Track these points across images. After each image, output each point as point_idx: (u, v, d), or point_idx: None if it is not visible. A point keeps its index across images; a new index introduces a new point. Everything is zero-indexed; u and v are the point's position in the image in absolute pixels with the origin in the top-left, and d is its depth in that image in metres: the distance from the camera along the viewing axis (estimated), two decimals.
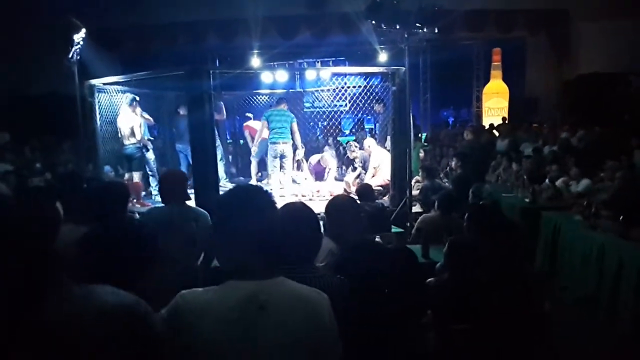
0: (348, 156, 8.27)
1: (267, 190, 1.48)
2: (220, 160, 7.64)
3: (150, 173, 7.09)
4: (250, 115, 9.24)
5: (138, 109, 6.83)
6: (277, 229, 1.40)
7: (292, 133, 7.02)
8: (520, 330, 2.87)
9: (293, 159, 7.28)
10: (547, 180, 6.32)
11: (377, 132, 10.11)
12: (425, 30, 6.07)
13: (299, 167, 7.73)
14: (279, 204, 1.68)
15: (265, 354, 1.25)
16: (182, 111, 7.47)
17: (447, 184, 6.38)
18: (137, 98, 6.79)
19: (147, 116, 7.12)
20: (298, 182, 7.57)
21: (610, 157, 6.42)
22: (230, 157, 10.03)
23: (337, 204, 2.65)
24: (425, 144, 10.10)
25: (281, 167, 7.02)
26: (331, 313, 1.40)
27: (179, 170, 3.66)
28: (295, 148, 7.19)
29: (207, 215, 3.27)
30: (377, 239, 4.25)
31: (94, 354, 0.81)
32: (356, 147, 7.98)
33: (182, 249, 3.06)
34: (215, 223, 1.45)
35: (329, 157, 8.14)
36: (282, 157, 6.94)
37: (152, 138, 7.17)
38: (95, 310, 0.84)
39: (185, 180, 3.53)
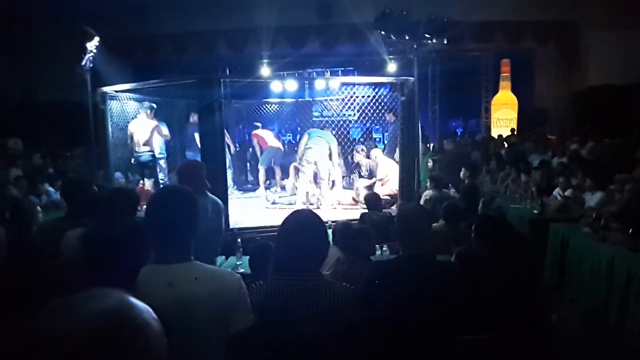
0: (354, 160, 8.25)
1: (186, 193, 1.79)
2: (229, 168, 7.70)
3: (162, 182, 7.16)
4: (258, 124, 9.28)
5: (153, 119, 6.92)
6: (193, 224, 1.71)
7: (330, 153, 7.12)
8: (527, 342, 2.86)
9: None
10: (555, 192, 6.30)
11: (384, 142, 10.12)
12: (434, 41, 6.11)
13: (332, 186, 7.71)
14: (287, 213, 1.76)
15: (176, 321, 1.42)
16: (192, 119, 7.56)
17: (453, 193, 6.37)
18: (154, 105, 6.89)
19: (165, 132, 7.19)
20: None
21: (620, 170, 6.39)
22: (248, 164, 10.11)
23: (407, 212, 2.51)
24: (434, 154, 10.10)
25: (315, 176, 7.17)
26: (242, 288, 1.65)
27: (197, 160, 3.75)
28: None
29: (222, 206, 3.63)
30: (385, 248, 4.27)
31: None
32: (362, 150, 7.98)
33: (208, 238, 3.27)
34: (146, 219, 1.72)
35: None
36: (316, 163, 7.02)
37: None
38: (74, 324, 0.72)
39: (204, 169, 3.60)
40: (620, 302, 4.05)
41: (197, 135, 7.40)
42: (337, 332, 1.70)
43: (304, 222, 1.87)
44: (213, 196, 3.66)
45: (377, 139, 10.84)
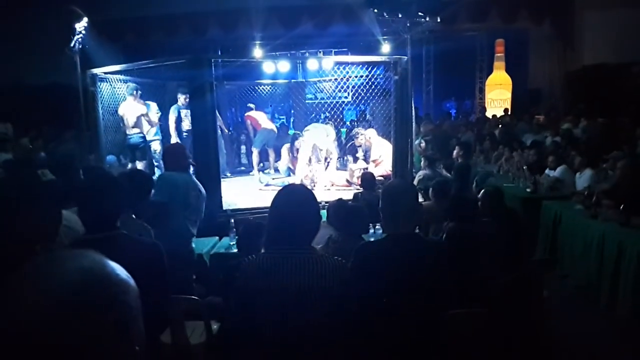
0: (354, 144, 8.25)
1: (104, 171, 2.16)
2: (220, 151, 7.67)
3: (156, 164, 7.12)
4: (252, 105, 9.19)
5: (139, 102, 6.83)
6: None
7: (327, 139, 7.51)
8: (518, 317, 2.89)
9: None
10: (547, 170, 6.32)
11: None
12: (427, 19, 6.05)
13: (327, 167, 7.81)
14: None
15: None
16: (179, 101, 7.51)
17: (445, 172, 6.37)
18: (138, 86, 6.80)
19: (153, 116, 7.09)
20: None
21: (613, 148, 6.41)
22: (244, 147, 10.07)
23: (394, 188, 2.49)
24: (426, 135, 10.08)
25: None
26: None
27: (180, 144, 4.32)
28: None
29: (199, 184, 3.94)
30: (378, 227, 4.28)
31: (53, 331, 0.68)
32: (362, 134, 7.98)
33: (180, 209, 3.67)
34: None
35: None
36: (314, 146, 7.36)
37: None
38: (52, 281, 0.70)
39: (186, 151, 4.24)
40: (611, 278, 4.10)
41: (171, 118, 7.40)
42: (327, 304, 1.70)
43: (295, 195, 1.86)
44: (195, 180, 4.04)
45: (371, 120, 10.78)
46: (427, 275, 2.15)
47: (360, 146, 8.09)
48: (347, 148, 8.68)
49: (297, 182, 7.02)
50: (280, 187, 1.95)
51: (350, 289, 1.80)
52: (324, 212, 4.13)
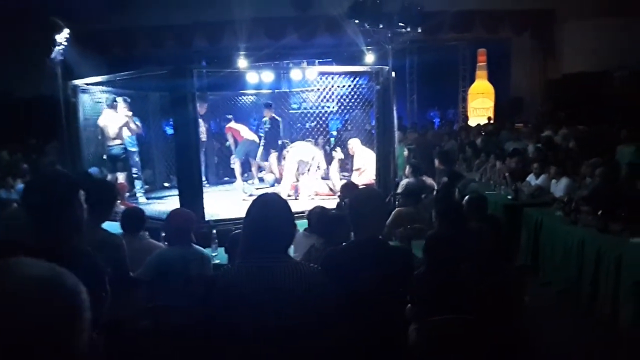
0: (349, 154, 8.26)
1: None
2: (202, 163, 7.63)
3: (135, 175, 7.06)
4: (230, 116, 9.08)
5: (122, 110, 6.76)
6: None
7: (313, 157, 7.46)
8: (499, 323, 2.91)
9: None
10: (528, 178, 6.40)
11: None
12: (409, 29, 6.12)
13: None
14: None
15: None
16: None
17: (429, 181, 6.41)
18: (122, 99, 6.75)
19: (132, 125, 7.02)
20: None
21: (592, 155, 6.51)
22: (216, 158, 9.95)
23: (359, 194, 2.58)
24: (410, 144, 10.15)
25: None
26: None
27: (186, 210, 3.45)
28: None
29: (209, 258, 3.37)
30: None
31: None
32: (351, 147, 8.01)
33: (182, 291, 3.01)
34: None
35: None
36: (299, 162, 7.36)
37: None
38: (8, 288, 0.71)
39: (193, 221, 3.40)
40: (591, 282, 4.16)
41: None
42: (303, 311, 1.70)
43: (269, 204, 1.87)
44: (198, 247, 3.39)
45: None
46: (388, 279, 2.19)
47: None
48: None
49: (283, 192, 7.01)
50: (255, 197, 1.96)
51: (325, 295, 1.80)
52: (304, 222, 4.13)
